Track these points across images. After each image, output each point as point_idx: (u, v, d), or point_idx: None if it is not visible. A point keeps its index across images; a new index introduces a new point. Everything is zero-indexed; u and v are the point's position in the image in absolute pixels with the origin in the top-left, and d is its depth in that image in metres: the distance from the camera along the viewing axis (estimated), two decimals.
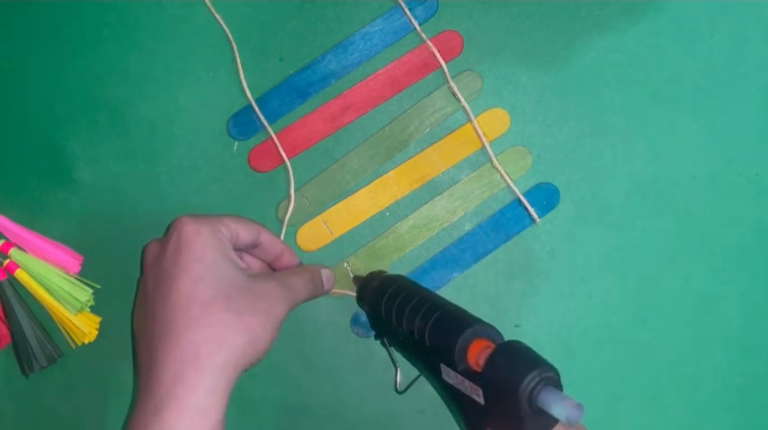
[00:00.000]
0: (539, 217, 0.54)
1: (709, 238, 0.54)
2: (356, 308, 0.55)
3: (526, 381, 0.39)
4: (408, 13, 0.54)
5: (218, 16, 0.55)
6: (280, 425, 0.55)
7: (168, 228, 0.47)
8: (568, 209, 0.54)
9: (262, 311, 0.45)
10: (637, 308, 0.54)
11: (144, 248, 0.49)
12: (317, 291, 0.51)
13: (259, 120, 0.54)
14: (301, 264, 0.53)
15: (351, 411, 0.55)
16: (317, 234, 0.55)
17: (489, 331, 0.44)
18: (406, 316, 0.47)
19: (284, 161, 0.54)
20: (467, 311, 0.46)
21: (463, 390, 0.43)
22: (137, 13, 0.55)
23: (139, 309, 0.49)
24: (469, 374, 0.42)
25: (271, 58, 0.55)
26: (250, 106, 0.54)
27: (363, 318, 0.54)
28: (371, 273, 0.53)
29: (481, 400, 0.41)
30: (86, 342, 0.54)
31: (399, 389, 0.53)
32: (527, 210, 0.54)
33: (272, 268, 0.52)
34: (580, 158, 0.54)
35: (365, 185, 0.55)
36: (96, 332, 0.54)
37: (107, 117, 0.55)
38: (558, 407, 0.38)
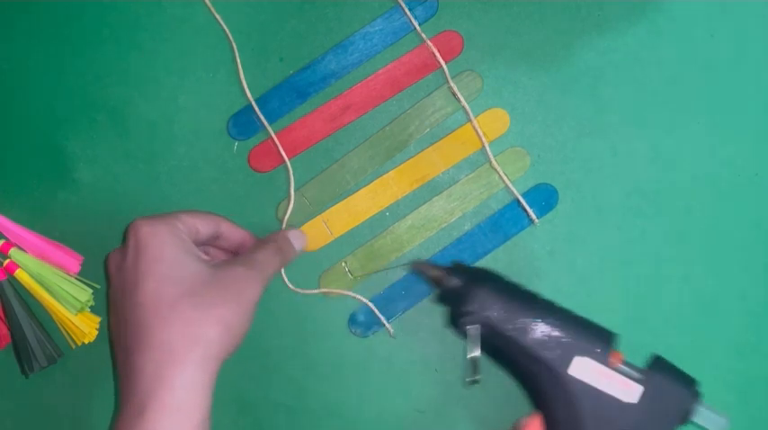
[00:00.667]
0: (537, 217, 0.54)
1: (710, 238, 0.54)
2: (354, 307, 0.54)
3: (689, 394, 0.45)
4: (408, 13, 0.54)
5: (218, 16, 0.55)
6: (280, 425, 0.55)
7: (125, 234, 0.47)
8: (568, 209, 0.54)
9: (231, 299, 0.45)
10: (637, 308, 0.54)
11: (106, 259, 0.49)
12: (289, 256, 0.51)
13: (259, 120, 0.54)
14: None
15: (350, 411, 0.55)
16: (317, 234, 0.55)
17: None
18: (539, 305, 0.48)
19: (284, 161, 0.54)
20: None
21: (597, 386, 0.45)
22: (137, 13, 0.55)
23: (112, 318, 0.48)
24: (626, 372, 0.46)
25: (271, 58, 0.55)
26: (250, 106, 0.54)
27: (362, 317, 0.54)
28: (456, 264, 0.51)
29: (633, 400, 0.45)
30: (86, 342, 0.54)
31: (470, 379, 0.50)
32: (525, 210, 0.54)
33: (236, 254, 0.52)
34: (580, 158, 0.54)
35: (365, 185, 0.55)
36: (96, 332, 0.55)
37: (107, 117, 0.55)
38: (713, 422, 0.45)
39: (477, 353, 0.48)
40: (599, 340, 0.46)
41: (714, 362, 0.54)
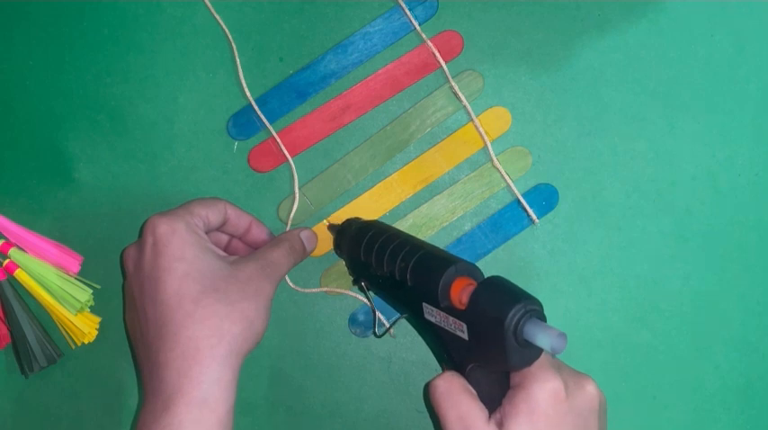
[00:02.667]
0: (537, 217, 0.54)
1: (710, 238, 0.54)
2: (354, 307, 0.55)
3: (511, 315, 0.39)
4: (408, 13, 0.54)
5: (217, 16, 0.55)
6: (280, 425, 0.55)
7: (142, 231, 0.47)
8: (568, 209, 0.54)
9: (251, 296, 0.45)
10: (637, 308, 0.54)
11: (122, 254, 0.49)
12: (300, 256, 0.51)
13: (259, 119, 0.54)
14: (270, 233, 0.53)
15: (350, 411, 0.55)
16: (321, 238, 0.54)
17: (471, 269, 0.44)
18: (387, 258, 0.47)
19: (287, 159, 0.54)
20: (447, 251, 0.47)
21: (446, 327, 0.44)
22: (136, 13, 0.55)
23: (131, 314, 0.49)
24: (453, 311, 0.43)
25: (271, 58, 0.55)
26: (250, 106, 0.54)
27: (362, 317, 0.54)
28: (348, 220, 0.53)
29: (465, 336, 0.42)
30: (86, 342, 0.54)
31: (378, 333, 0.53)
32: (526, 210, 0.54)
33: (242, 241, 0.53)
34: (580, 158, 0.54)
35: (369, 188, 0.54)
36: (96, 332, 0.54)
37: (107, 117, 0.55)
38: (542, 338, 0.39)
39: (372, 306, 0.50)
40: (434, 280, 0.44)
41: (714, 363, 0.54)
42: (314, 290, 0.55)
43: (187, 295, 0.44)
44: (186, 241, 0.46)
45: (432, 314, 0.44)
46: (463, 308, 0.42)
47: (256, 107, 0.54)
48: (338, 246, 0.53)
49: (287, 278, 0.54)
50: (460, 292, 0.43)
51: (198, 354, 0.43)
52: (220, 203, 0.50)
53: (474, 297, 0.42)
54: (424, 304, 0.45)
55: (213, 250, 0.47)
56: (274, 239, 0.51)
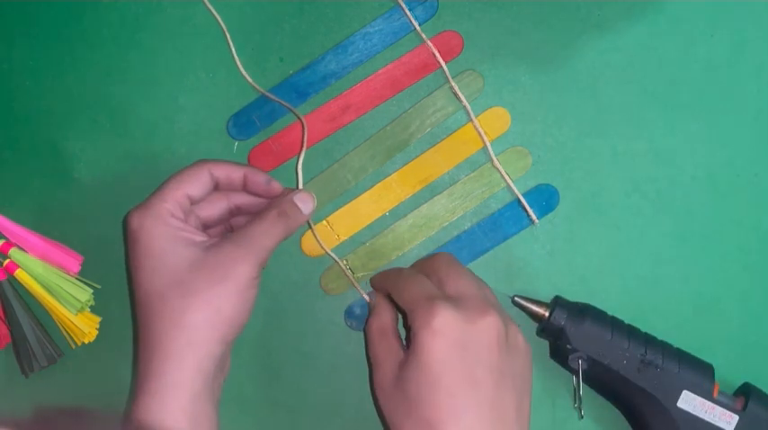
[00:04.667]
0: (537, 218, 0.54)
1: (710, 239, 0.54)
2: (351, 301, 0.54)
3: None
4: (408, 13, 0.54)
5: (217, 16, 0.55)
6: (280, 425, 0.55)
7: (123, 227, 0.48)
8: (568, 209, 0.54)
9: (217, 281, 0.44)
10: (637, 308, 0.54)
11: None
12: (295, 222, 0.48)
13: (260, 118, 0.54)
14: (269, 180, 0.50)
15: (350, 411, 0.55)
16: (323, 238, 0.54)
17: None
18: (642, 340, 0.50)
19: (301, 146, 0.53)
20: None
21: (703, 416, 0.48)
22: (137, 13, 0.55)
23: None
24: (723, 403, 0.49)
25: (271, 58, 0.55)
26: (250, 106, 0.54)
27: (358, 310, 0.54)
28: (557, 300, 0.52)
29: (729, 428, 0.48)
30: (86, 342, 0.54)
31: (583, 415, 0.52)
32: (526, 210, 0.54)
33: (249, 193, 0.51)
34: (580, 158, 0.54)
35: (368, 189, 0.54)
36: (96, 332, 0.55)
37: (107, 117, 0.55)
38: None
39: (580, 386, 0.50)
40: (704, 374, 0.49)
41: (714, 363, 0.54)
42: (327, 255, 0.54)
43: (153, 292, 0.45)
44: (153, 234, 0.45)
45: (693, 403, 0.49)
46: (738, 404, 0.49)
47: (265, 92, 0.54)
48: (566, 329, 0.50)
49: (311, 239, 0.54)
50: (715, 391, 0.49)
51: (160, 348, 0.44)
52: (202, 170, 0.48)
53: (746, 393, 0.49)
54: (685, 392, 0.49)
55: (184, 238, 0.46)
56: (260, 211, 0.49)
